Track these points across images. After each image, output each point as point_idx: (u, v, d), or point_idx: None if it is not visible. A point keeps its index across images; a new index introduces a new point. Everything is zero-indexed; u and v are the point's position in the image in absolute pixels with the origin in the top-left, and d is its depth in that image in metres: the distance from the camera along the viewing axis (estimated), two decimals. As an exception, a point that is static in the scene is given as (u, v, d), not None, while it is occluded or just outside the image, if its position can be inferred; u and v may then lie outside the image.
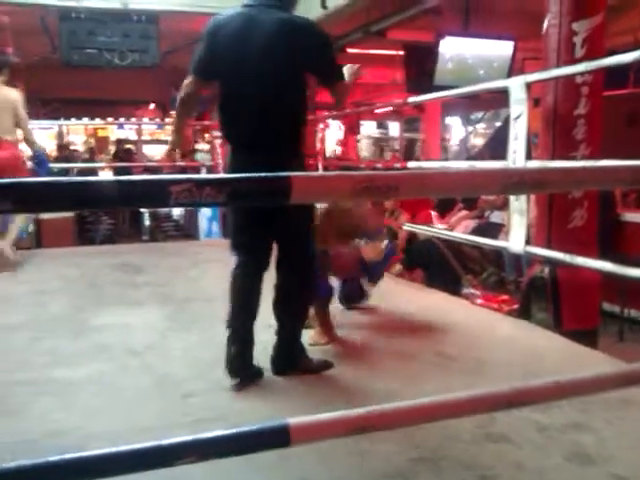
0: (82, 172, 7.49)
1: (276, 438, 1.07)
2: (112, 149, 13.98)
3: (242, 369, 2.56)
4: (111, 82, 10.84)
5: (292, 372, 2.67)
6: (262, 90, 2.51)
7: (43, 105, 12.18)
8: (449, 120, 16.02)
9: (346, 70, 2.77)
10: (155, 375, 2.70)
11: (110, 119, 13.24)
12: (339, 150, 13.30)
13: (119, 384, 2.61)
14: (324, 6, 6.22)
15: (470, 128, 16.82)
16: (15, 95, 4.96)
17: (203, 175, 1.29)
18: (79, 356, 2.92)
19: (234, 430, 1.06)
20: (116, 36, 6.63)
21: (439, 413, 1.23)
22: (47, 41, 7.36)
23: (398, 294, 4.10)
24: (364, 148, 16.03)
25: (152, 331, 3.31)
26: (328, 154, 12.23)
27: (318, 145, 8.24)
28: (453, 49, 7.55)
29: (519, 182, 1.10)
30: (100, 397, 2.47)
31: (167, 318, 3.52)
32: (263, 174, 0.97)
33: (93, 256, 5.70)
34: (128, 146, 13.40)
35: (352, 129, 13.77)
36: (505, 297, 4.18)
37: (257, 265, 2.63)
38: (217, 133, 6.31)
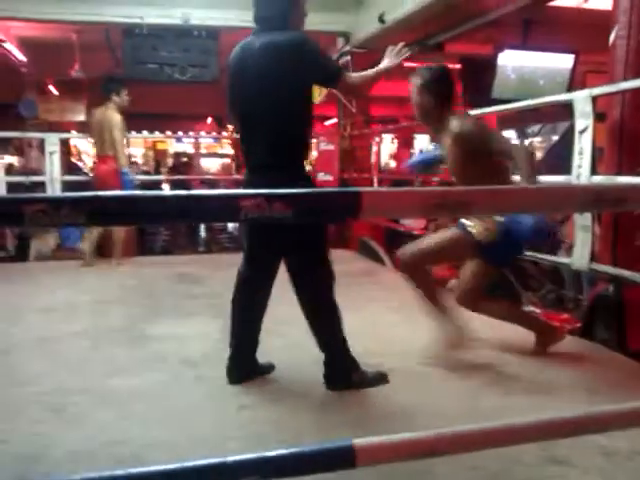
0: (145, 185, 7.65)
1: (341, 459, 1.04)
2: (169, 161, 14.25)
3: (233, 371, 2.78)
4: (170, 96, 11.07)
5: (346, 386, 2.66)
6: (262, 115, 2.57)
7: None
8: (504, 134, 15.74)
9: (389, 53, 2.82)
10: (210, 386, 2.72)
11: (168, 132, 13.52)
12: (393, 164, 13.18)
13: (175, 394, 2.63)
14: (382, 20, 6.21)
15: (526, 141, 16.46)
16: (117, 119, 5.52)
17: (274, 190, 1.27)
18: (136, 366, 2.97)
19: (298, 449, 1.04)
20: (177, 51, 6.77)
21: (506, 439, 1.18)
22: (110, 57, 7.58)
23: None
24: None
25: (207, 342, 3.34)
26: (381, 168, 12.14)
27: (373, 159, 8.16)
28: (512, 62, 7.45)
29: (598, 199, 1.05)
30: (156, 407, 2.49)
31: (222, 329, 3.52)
32: (335, 189, 0.95)
33: (152, 266, 5.81)
34: (185, 159, 13.65)
35: (406, 143, 13.65)
36: (566, 316, 4.04)
37: (259, 279, 2.80)
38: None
